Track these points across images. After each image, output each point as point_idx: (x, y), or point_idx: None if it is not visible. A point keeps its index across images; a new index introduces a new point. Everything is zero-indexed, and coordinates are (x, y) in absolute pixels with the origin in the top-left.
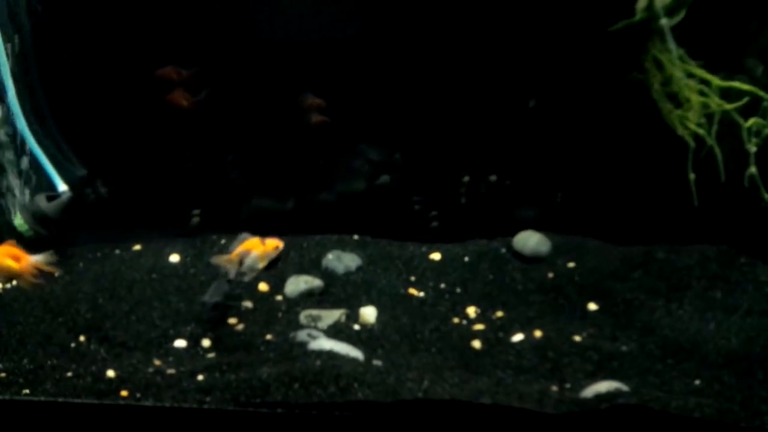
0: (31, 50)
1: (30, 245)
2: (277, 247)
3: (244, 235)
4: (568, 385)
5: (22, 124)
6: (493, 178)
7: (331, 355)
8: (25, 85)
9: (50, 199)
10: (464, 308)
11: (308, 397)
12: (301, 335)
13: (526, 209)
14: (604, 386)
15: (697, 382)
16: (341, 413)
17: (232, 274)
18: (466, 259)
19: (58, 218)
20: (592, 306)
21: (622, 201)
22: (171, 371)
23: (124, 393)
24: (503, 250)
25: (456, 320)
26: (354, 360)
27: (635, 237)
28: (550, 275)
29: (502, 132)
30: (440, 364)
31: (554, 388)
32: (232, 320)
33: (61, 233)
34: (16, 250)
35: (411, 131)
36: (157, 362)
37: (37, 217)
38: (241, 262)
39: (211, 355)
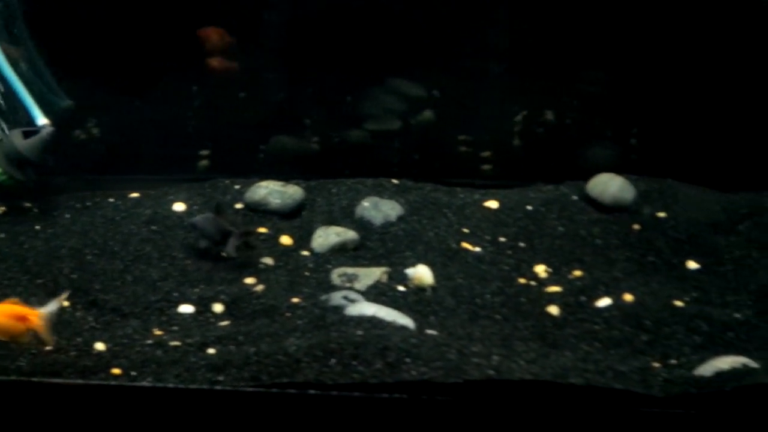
0: None
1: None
2: None
3: None
4: (674, 361)
5: None
6: (550, 115)
7: (374, 322)
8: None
9: (27, 135)
10: (531, 266)
11: (348, 375)
12: (336, 298)
13: (599, 148)
14: (725, 362)
15: None
16: (391, 396)
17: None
18: (529, 207)
19: (38, 159)
20: (692, 264)
21: (722, 135)
22: (175, 343)
23: (116, 371)
24: (574, 197)
25: (523, 281)
26: (403, 329)
27: (739, 181)
28: (636, 227)
29: (567, 56)
30: (509, 334)
31: (657, 364)
32: (249, 280)
33: (43, 177)
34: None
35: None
36: (157, 332)
37: (11, 158)
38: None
39: (224, 322)
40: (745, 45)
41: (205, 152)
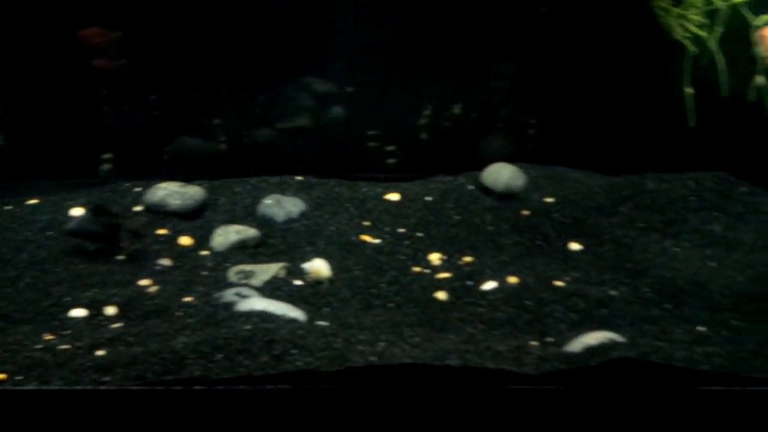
0: None
1: None
2: None
3: None
4: (550, 339)
5: None
6: (452, 109)
7: (264, 317)
8: None
9: None
10: (426, 255)
11: (234, 369)
12: (228, 295)
13: (494, 140)
14: (594, 338)
15: (702, 328)
16: (275, 387)
17: None
18: (428, 198)
19: None
20: (575, 246)
21: (604, 124)
22: (64, 347)
23: (1, 376)
24: (470, 187)
25: (417, 269)
26: (293, 321)
27: (621, 165)
28: (526, 213)
29: (464, 54)
30: (399, 321)
31: (534, 342)
32: (144, 282)
33: None
34: None
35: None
36: (48, 337)
37: None
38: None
39: (116, 325)
40: (625, 43)
41: (107, 155)
